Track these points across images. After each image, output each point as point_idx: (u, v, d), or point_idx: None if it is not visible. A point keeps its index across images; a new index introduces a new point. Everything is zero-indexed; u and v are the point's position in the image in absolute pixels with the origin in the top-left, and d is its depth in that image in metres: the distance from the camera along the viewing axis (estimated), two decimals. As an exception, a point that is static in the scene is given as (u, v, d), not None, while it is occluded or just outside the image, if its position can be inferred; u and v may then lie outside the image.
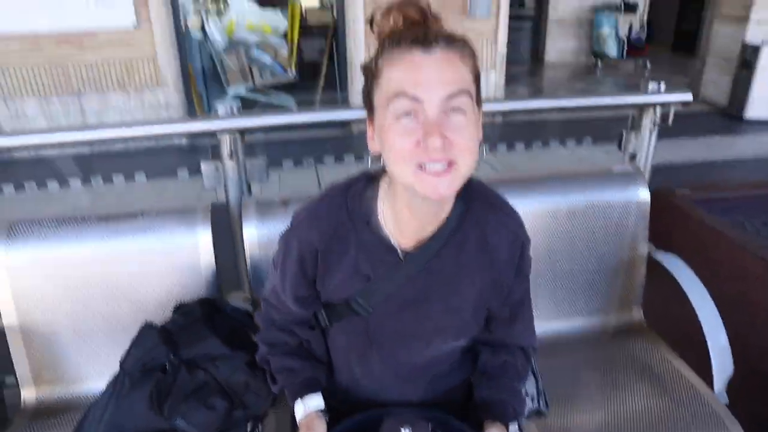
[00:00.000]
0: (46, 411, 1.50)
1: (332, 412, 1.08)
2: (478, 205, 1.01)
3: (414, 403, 1.10)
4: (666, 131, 1.95)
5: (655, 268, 1.74)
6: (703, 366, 1.51)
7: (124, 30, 5.32)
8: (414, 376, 1.11)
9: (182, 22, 5.82)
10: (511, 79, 6.96)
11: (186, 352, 1.21)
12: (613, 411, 1.48)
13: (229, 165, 1.71)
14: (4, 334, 1.49)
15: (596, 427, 1.44)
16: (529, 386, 1.44)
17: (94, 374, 1.49)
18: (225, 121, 1.66)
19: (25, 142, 1.67)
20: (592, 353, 1.70)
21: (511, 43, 6.42)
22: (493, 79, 6.18)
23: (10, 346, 1.49)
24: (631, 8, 9.10)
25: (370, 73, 0.87)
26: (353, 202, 0.99)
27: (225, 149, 1.69)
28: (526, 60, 10.02)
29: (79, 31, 5.24)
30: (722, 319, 1.49)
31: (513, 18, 6.54)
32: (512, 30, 6.40)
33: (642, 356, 1.68)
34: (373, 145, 0.91)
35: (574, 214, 1.69)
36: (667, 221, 2.07)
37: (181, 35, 5.70)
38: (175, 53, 5.64)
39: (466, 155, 0.84)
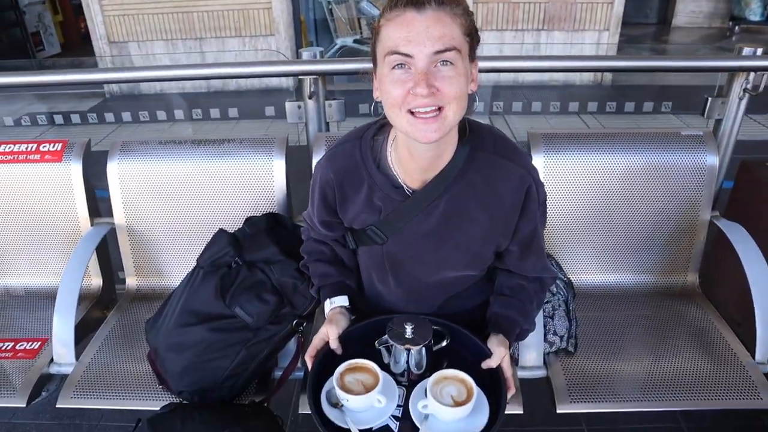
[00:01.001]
0: (142, 296, 1.83)
1: (361, 317, 1.26)
2: (484, 151, 1.09)
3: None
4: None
5: (719, 236, 1.71)
6: (754, 339, 1.49)
7: (243, -20, 5.71)
8: (428, 296, 1.26)
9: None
10: (629, 42, 6.54)
11: (248, 256, 1.43)
12: (648, 366, 1.50)
13: (310, 104, 1.90)
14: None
15: (627, 378, 1.47)
16: (560, 326, 1.52)
17: (178, 270, 1.77)
18: (305, 64, 1.83)
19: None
20: (640, 310, 1.72)
21: (636, 3, 6.01)
22: (605, 41, 5.86)
23: (119, 244, 1.81)
24: (782, -33, 8.13)
25: (374, 31, 0.99)
26: (365, 146, 1.13)
27: (306, 90, 1.87)
28: (652, 22, 9.31)
29: (204, -19, 5.70)
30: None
31: (640, -24, 6.11)
32: (639, -11, 5.97)
33: (689, 319, 1.67)
34: (377, 95, 1.03)
35: (636, 171, 1.70)
36: (753, 192, 1.99)
37: (295, -14, 5.97)
38: (288, 4, 5.93)
39: (452, 103, 0.94)
